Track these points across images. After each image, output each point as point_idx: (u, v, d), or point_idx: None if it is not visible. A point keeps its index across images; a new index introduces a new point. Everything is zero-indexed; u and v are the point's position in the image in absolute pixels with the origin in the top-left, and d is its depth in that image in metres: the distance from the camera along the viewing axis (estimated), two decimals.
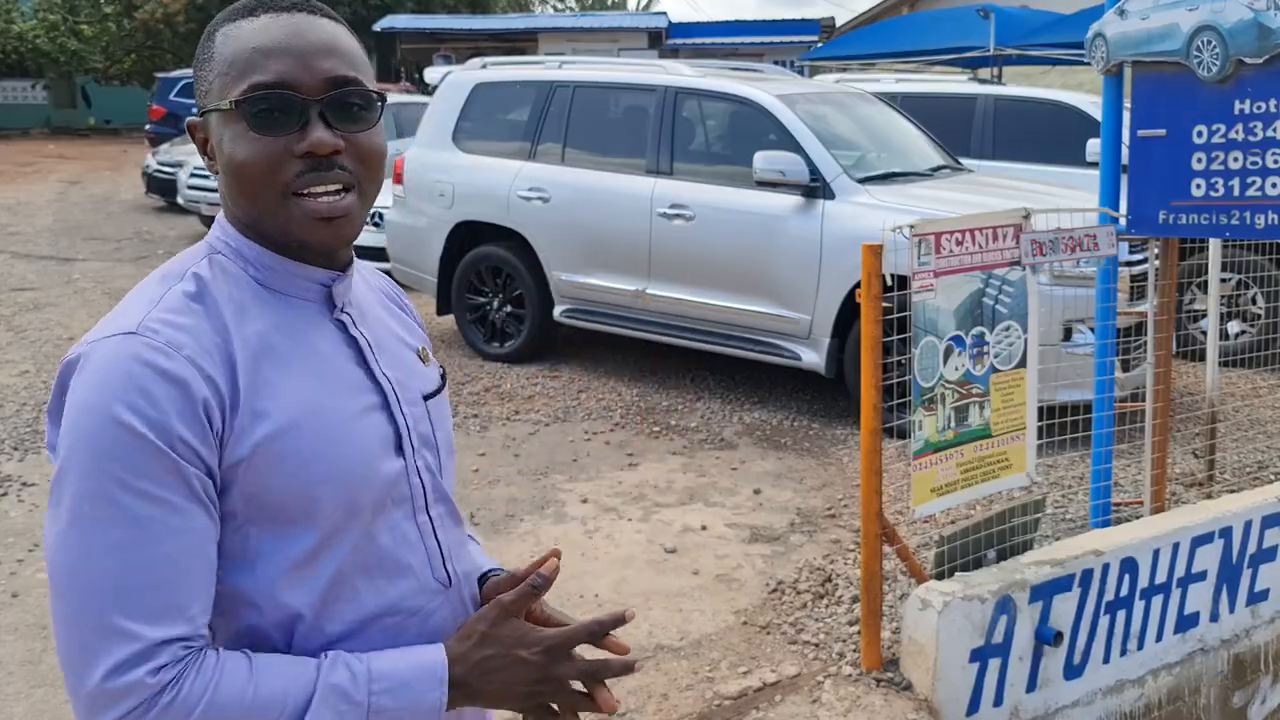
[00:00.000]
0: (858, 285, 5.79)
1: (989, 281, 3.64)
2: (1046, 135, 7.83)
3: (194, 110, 1.21)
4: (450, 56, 25.88)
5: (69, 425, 1.08)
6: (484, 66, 7.44)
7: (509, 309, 7.14)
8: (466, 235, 7.19)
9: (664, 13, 26.76)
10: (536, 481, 5.24)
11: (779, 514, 4.83)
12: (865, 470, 3.39)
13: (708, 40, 25.63)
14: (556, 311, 6.92)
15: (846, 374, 5.89)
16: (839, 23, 26.47)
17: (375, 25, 25.17)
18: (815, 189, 5.87)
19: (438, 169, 7.25)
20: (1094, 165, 7.61)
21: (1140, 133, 4.00)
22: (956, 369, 3.57)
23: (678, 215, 6.28)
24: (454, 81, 7.42)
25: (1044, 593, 3.53)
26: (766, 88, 6.32)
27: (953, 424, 3.59)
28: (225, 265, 1.19)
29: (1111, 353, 4.21)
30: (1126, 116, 4.10)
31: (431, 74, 7.74)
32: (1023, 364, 3.76)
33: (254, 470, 1.11)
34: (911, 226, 3.35)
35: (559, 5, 38.16)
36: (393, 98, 14.94)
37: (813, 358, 5.96)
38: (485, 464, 5.44)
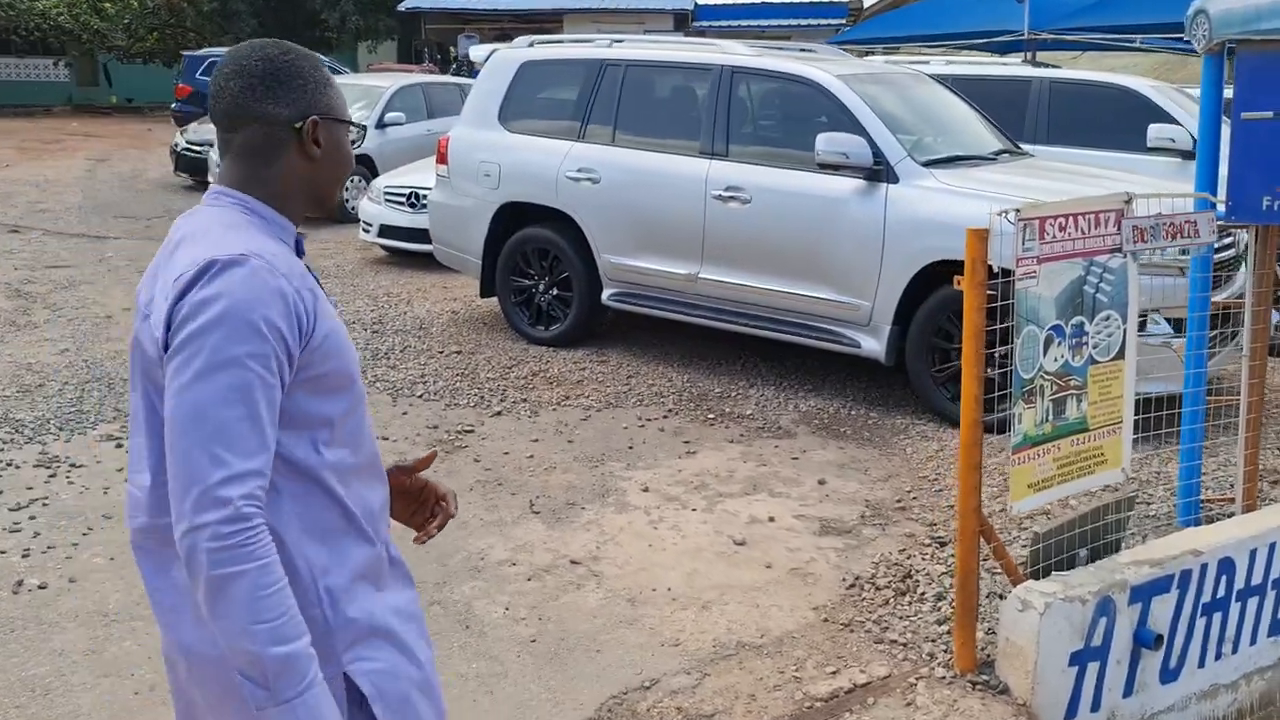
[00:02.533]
0: (922, 271, 5.68)
1: (1090, 269, 3.49)
2: (1105, 120, 7.64)
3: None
4: (475, 36, 25.72)
5: (215, 310, 1.45)
6: (531, 44, 7.29)
7: (555, 292, 7.00)
8: (512, 217, 7.06)
9: None
10: (594, 469, 5.12)
11: (847, 506, 4.69)
12: (963, 465, 3.25)
13: (734, 23, 25.38)
14: (605, 295, 6.78)
15: (908, 362, 5.74)
16: (866, 4, 26.17)
17: (400, 5, 24.99)
18: (878, 172, 5.71)
19: (483, 149, 7.10)
20: (1156, 151, 7.44)
21: (1244, 115, 3.83)
22: (1056, 360, 3.43)
23: (733, 198, 6.13)
24: (501, 59, 7.27)
25: (1143, 594, 3.39)
26: (825, 67, 6.15)
27: (1050, 417, 3.45)
28: (257, 220, 1.62)
29: (1202, 345, 4.06)
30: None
31: (476, 52, 7.58)
32: (1120, 355, 3.61)
33: (320, 354, 1.56)
34: (1017, 211, 3.20)
35: None
36: (421, 78, 14.80)
37: (873, 345, 5.81)
38: (540, 450, 5.32)
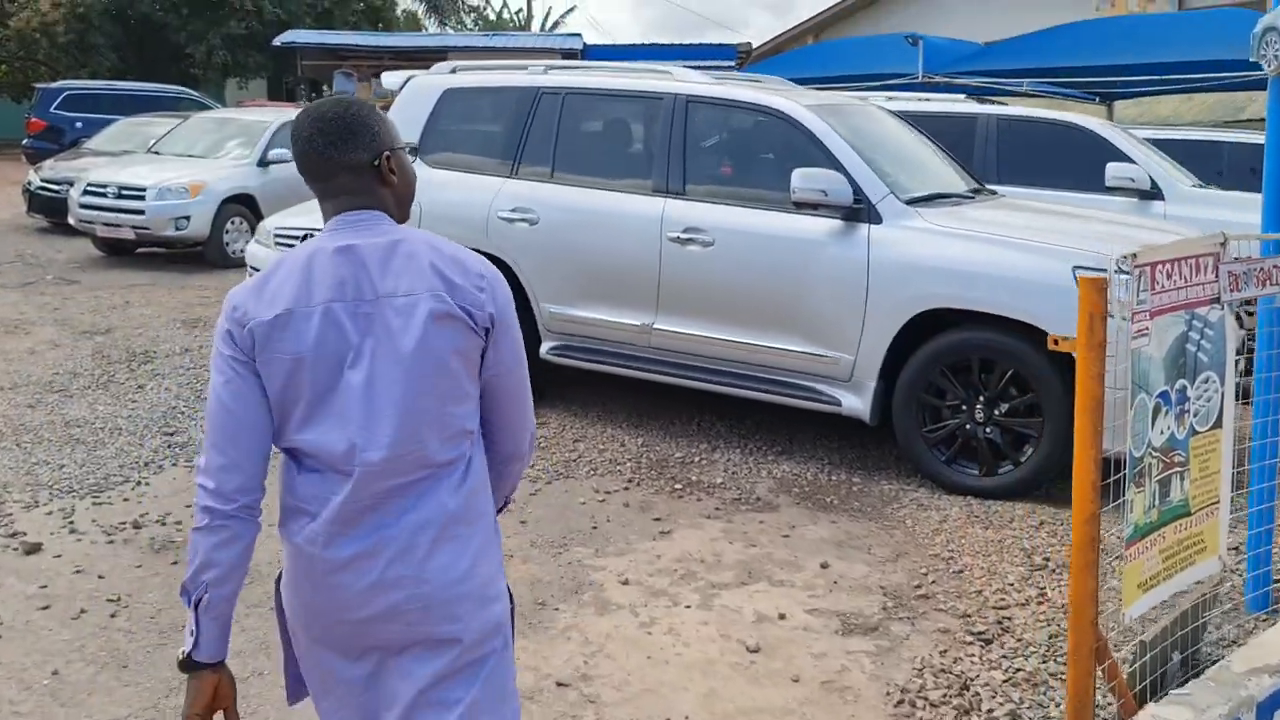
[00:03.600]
0: (911, 321, 5.15)
1: (1191, 323, 2.96)
2: (1057, 158, 7.32)
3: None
4: (353, 74, 24.71)
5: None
6: (454, 70, 6.56)
7: None
8: None
9: (579, 34, 26.13)
10: (557, 556, 4.37)
11: (862, 595, 4.06)
12: (1077, 566, 2.63)
13: (623, 64, 24.99)
14: (544, 349, 6.05)
15: (896, 421, 5.18)
16: (755, 47, 26.21)
17: (275, 40, 23.82)
18: (858, 211, 5.16)
19: None
20: (1114, 191, 7.13)
21: None
22: (1162, 433, 2.87)
23: (693, 240, 5.51)
24: (418, 87, 6.51)
25: (1268, 710, 2.85)
26: (791, 97, 5.60)
27: (1157, 501, 2.88)
28: None
29: (1275, 411, 3.57)
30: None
31: (390, 79, 6.80)
32: (1219, 424, 3.08)
33: None
34: (1133, 256, 2.64)
35: (456, 26, 37.12)
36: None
37: (855, 403, 5.23)
38: None
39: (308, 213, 9.50)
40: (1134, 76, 14.60)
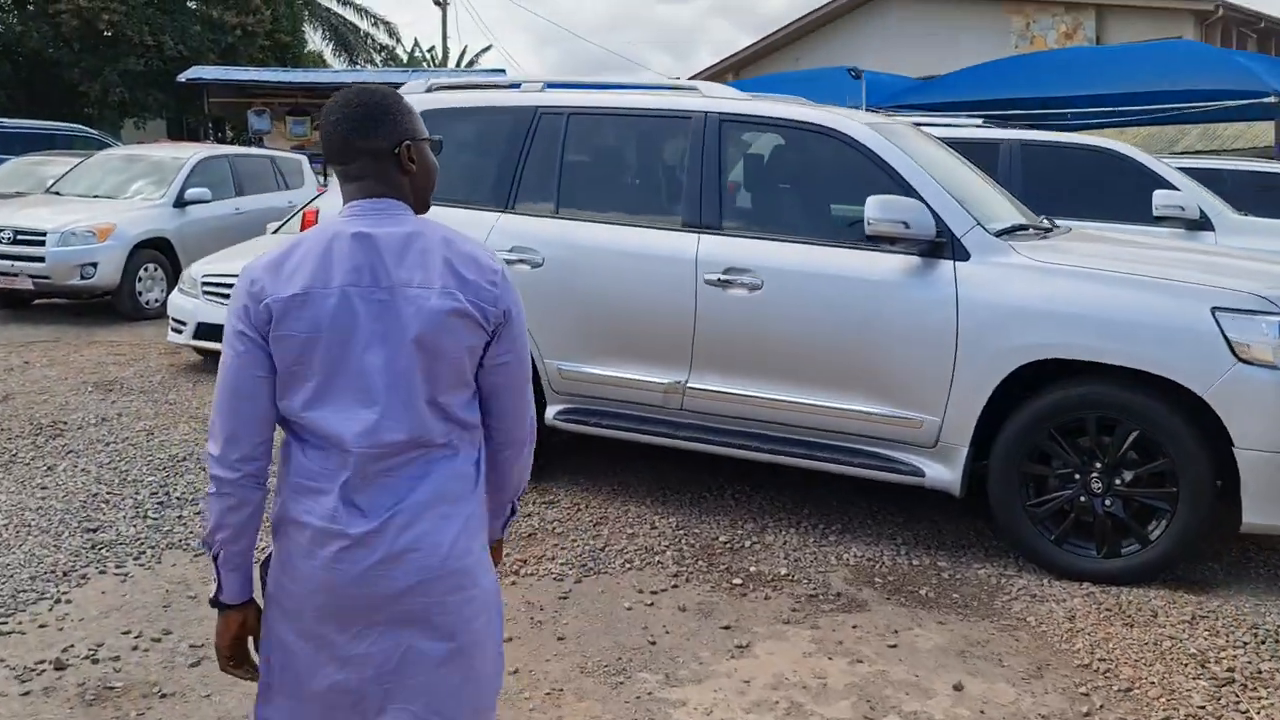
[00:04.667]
0: (1013, 374, 4.36)
1: None
2: (1092, 186, 6.67)
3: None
4: (266, 111, 23.45)
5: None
6: (430, 89, 5.61)
7: None
8: None
9: (503, 69, 25.33)
10: (619, 689, 3.42)
11: None
12: None
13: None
14: (550, 413, 5.11)
15: (992, 493, 4.36)
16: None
17: (180, 76, 22.45)
18: (940, 246, 4.37)
19: None
20: (1161, 221, 6.50)
21: None
22: None
23: (736, 282, 4.64)
24: None
25: None
26: (846, 114, 4.81)
27: None
28: None
29: None
30: None
31: None
32: None
33: None
34: None
35: (366, 65, 35.94)
36: (227, 150, 12.67)
37: (941, 473, 4.40)
38: (523, 655, 3.58)
39: (240, 257, 8.42)
40: (1067, 109, 14.54)
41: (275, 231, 9.63)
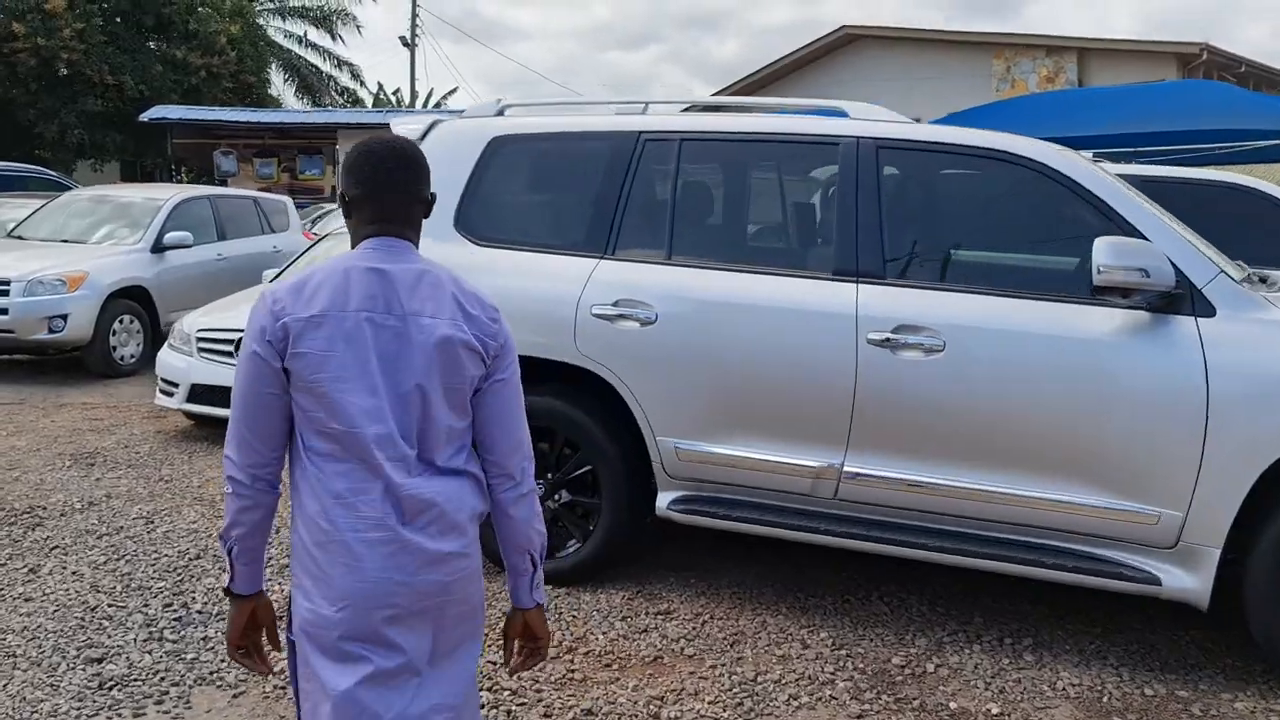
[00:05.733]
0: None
1: None
2: (1224, 227, 5.89)
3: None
4: (233, 153, 22.40)
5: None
6: (501, 111, 4.72)
7: (562, 497, 4.34)
8: None
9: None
10: None
11: None
12: None
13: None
14: (663, 502, 4.19)
15: (1251, 606, 3.50)
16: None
17: (142, 116, 21.33)
18: (1177, 299, 3.54)
19: None
20: None
21: None
22: None
23: (909, 343, 3.78)
24: (451, 137, 4.64)
25: None
26: (1032, 141, 3.98)
27: None
28: None
29: None
30: None
31: (402, 124, 4.86)
32: None
33: None
34: None
35: (326, 106, 34.93)
36: (208, 190, 11.64)
37: (1183, 581, 3.53)
38: None
39: (234, 307, 7.44)
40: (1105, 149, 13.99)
41: (273, 281, 8.63)
